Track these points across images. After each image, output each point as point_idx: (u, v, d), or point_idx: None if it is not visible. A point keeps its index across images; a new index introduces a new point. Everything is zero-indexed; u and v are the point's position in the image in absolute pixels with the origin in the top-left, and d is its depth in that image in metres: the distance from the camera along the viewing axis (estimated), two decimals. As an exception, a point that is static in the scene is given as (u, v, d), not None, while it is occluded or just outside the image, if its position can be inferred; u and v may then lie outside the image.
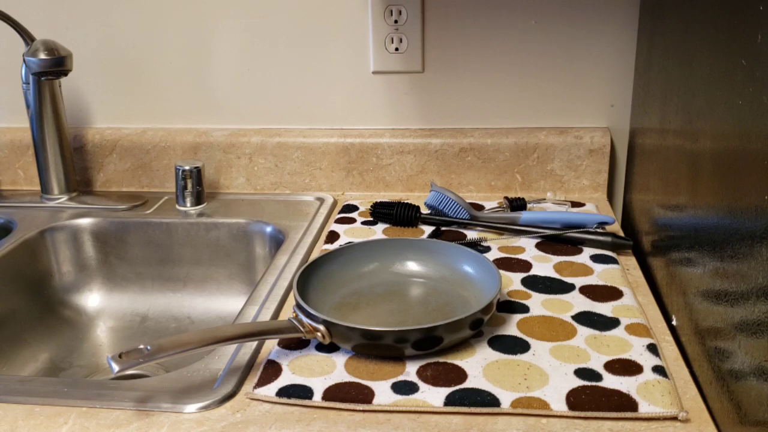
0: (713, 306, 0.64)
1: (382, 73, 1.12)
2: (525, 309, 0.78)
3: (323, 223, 1.04)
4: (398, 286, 0.83)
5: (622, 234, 0.96)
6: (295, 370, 0.68)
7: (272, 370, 0.68)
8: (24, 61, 1.06)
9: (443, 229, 1.00)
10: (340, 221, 1.03)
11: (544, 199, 1.08)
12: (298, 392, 0.65)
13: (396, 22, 1.08)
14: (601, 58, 1.08)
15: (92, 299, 1.08)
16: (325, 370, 0.68)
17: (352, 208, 1.08)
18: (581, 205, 1.07)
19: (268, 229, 1.04)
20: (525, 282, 0.84)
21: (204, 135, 1.16)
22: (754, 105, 0.55)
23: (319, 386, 0.66)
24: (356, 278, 0.83)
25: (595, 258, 0.89)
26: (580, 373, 0.67)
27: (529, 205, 1.05)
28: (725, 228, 0.61)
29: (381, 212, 1.02)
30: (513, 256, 0.91)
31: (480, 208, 1.05)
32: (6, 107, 1.20)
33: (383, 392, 0.65)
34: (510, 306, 0.79)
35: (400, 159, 1.13)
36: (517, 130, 1.11)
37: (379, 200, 1.05)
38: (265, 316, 0.80)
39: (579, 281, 0.84)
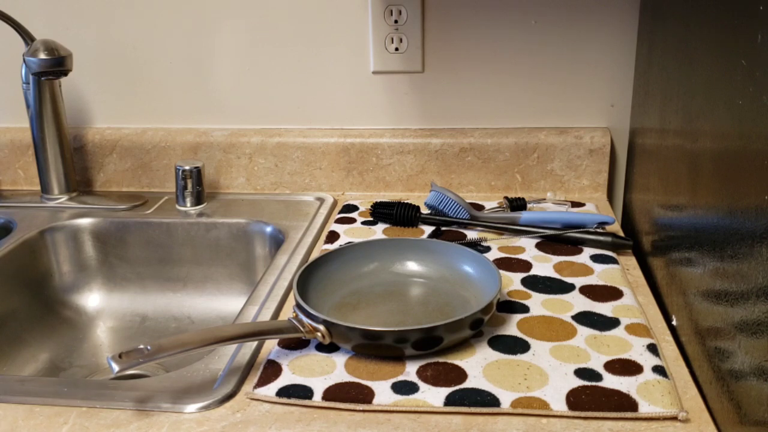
0: (713, 306, 0.64)
1: (382, 73, 1.12)
2: (525, 309, 0.78)
3: (323, 223, 1.04)
4: (398, 286, 0.83)
5: (622, 234, 0.96)
6: (295, 370, 0.68)
7: (272, 370, 0.69)
8: (24, 61, 1.06)
9: (443, 229, 1.00)
10: (340, 221, 1.03)
11: (544, 199, 1.08)
12: (298, 392, 0.65)
13: (396, 22, 1.08)
14: (601, 58, 1.08)
15: (92, 299, 1.08)
16: (325, 370, 0.68)
17: (352, 208, 1.08)
18: (581, 205, 1.07)
19: (268, 229, 1.04)
20: (525, 282, 0.84)
21: (204, 135, 1.16)
22: (754, 105, 0.55)
23: (319, 386, 0.66)
24: (356, 278, 0.83)
25: (595, 258, 0.89)
26: (580, 373, 0.67)
27: (529, 205, 1.05)
28: (725, 228, 0.61)
29: (381, 212, 1.02)
30: (513, 256, 0.91)
31: (480, 208, 1.05)
32: (6, 107, 1.20)
33: (383, 392, 0.65)
34: (510, 306, 0.79)
35: (400, 159, 1.13)
36: (517, 130, 1.11)
37: (379, 200, 1.05)
38: (265, 316, 0.80)
39: (579, 281, 0.84)
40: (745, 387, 0.55)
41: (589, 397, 0.63)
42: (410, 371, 0.68)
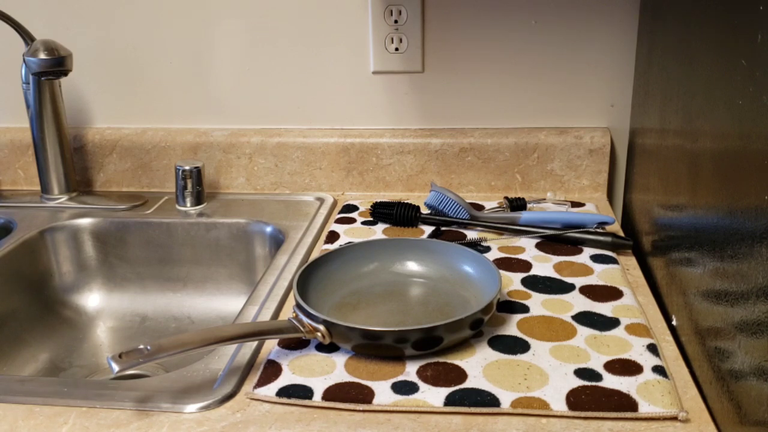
0: (713, 306, 0.64)
1: (382, 73, 1.12)
2: (525, 309, 0.78)
3: (323, 223, 1.04)
4: (398, 286, 0.83)
5: (622, 234, 0.96)
6: (295, 370, 0.68)
7: (272, 370, 0.69)
8: (24, 61, 1.06)
9: (443, 229, 1.00)
10: (340, 221, 1.03)
11: (544, 199, 1.08)
12: (298, 392, 0.65)
13: (396, 22, 1.08)
14: (601, 58, 1.08)
15: (92, 299, 1.08)
16: (325, 370, 0.68)
17: (352, 208, 1.08)
18: (581, 205, 1.07)
19: (268, 229, 1.04)
20: (525, 282, 0.84)
21: (204, 135, 1.16)
22: (754, 105, 0.55)
23: (319, 386, 0.66)
24: (356, 278, 0.83)
25: (595, 258, 0.89)
26: (580, 373, 0.67)
27: (529, 205, 1.05)
28: (725, 228, 0.61)
29: (381, 212, 1.02)
30: (513, 256, 0.91)
31: (480, 208, 1.05)
32: (6, 107, 1.20)
33: (383, 392, 0.65)
34: (510, 306, 0.79)
35: (400, 159, 1.13)
36: (517, 130, 1.11)
37: (379, 200, 1.05)
38: (265, 316, 0.80)
39: (579, 281, 0.84)
40: (745, 387, 0.55)
41: (589, 397, 0.63)
42: (410, 371, 0.68)
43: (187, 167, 1.08)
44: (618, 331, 0.73)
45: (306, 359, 0.70)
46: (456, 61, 1.10)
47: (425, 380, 0.66)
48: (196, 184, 1.09)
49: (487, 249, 0.93)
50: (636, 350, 0.70)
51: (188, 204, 1.10)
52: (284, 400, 0.65)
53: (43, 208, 1.11)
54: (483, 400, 0.63)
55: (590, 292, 0.81)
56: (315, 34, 1.11)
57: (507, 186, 1.12)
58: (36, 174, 1.19)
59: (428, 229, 1.00)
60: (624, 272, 0.86)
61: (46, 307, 1.04)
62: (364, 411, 0.64)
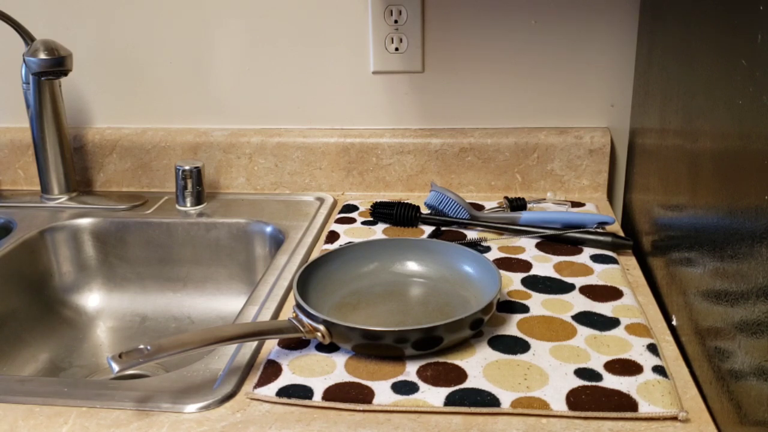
0: (713, 306, 0.64)
1: (382, 73, 1.12)
2: (525, 309, 0.78)
3: (323, 223, 1.04)
4: (398, 286, 0.83)
5: (622, 234, 0.96)
6: (295, 370, 0.68)
7: (272, 370, 0.69)
8: (24, 61, 1.06)
9: (443, 229, 1.00)
10: (340, 221, 1.03)
11: (544, 199, 1.08)
12: (298, 392, 0.65)
13: (396, 22, 1.08)
14: (601, 58, 1.08)
15: (92, 299, 1.08)
16: (325, 370, 0.68)
17: (352, 208, 1.08)
18: (581, 205, 1.07)
19: (268, 229, 1.04)
20: (525, 282, 0.84)
21: (204, 135, 1.16)
22: (754, 105, 0.55)
23: (319, 386, 0.66)
24: (356, 278, 0.83)
25: (595, 258, 0.89)
26: (580, 373, 0.67)
27: (529, 205, 1.05)
28: (725, 228, 0.61)
29: (381, 212, 1.02)
30: (513, 256, 0.91)
31: (480, 208, 1.05)
32: (6, 107, 1.20)
33: (383, 392, 0.65)
34: (510, 306, 0.79)
35: (400, 159, 1.13)
36: (517, 130, 1.11)
37: (379, 200, 1.05)
38: (265, 316, 0.80)
39: (579, 281, 0.84)
40: (745, 387, 0.55)
41: (589, 397, 0.63)
42: (410, 371, 0.68)
43: (187, 167, 1.08)
44: (618, 331, 0.73)
45: (306, 359, 0.70)
46: (456, 61, 1.10)
47: (425, 380, 0.66)
48: (196, 184, 1.09)
49: (487, 249, 0.93)
50: (636, 350, 0.70)
51: (188, 204, 1.10)
52: (284, 400, 0.65)
53: (43, 208, 1.11)
54: (483, 400, 0.63)
55: (590, 292, 0.81)
56: (315, 34, 1.11)
57: (507, 186, 1.12)
58: (36, 174, 1.19)
59: (428, 229, 1.00)
60: (624, 272, 0.86)
61: (46, 307, 1.04)
62: (364, 411, 0.64)
